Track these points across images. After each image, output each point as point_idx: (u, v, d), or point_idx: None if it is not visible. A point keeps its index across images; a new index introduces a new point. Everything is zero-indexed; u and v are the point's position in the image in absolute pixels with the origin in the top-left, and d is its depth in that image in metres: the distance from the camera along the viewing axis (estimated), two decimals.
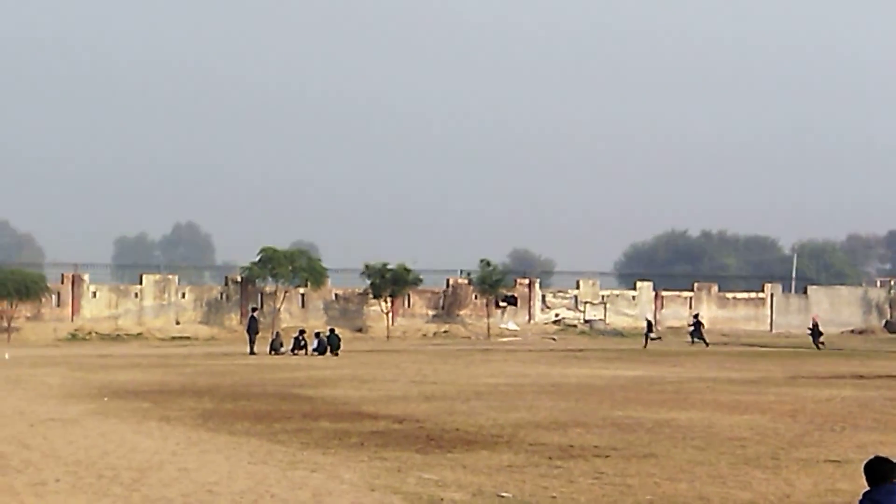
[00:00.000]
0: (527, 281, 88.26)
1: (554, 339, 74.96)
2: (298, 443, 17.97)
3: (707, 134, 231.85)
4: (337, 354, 52.52)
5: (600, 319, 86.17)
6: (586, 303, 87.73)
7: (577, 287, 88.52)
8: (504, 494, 13.00)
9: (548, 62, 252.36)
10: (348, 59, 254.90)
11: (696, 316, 72.81)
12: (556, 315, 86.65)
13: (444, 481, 13.95)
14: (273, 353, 53.85)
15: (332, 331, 57.09)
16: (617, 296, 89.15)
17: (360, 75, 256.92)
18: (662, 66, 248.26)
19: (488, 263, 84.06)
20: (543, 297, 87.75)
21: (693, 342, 66.19)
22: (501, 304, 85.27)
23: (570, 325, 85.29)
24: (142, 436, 18.91)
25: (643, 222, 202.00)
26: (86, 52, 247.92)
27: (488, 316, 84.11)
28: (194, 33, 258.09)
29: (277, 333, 58.78)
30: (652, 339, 66.85)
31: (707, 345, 65.07)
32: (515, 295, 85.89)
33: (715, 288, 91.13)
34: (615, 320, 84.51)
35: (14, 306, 70.41)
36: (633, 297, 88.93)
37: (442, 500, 12.60)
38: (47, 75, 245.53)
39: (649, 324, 70.51)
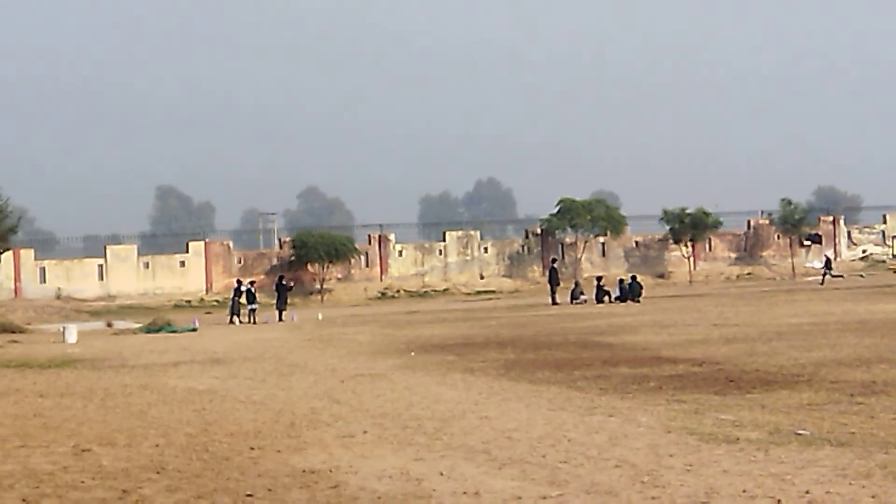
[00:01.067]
0: (831, 218, 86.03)
1: (862, 276, 72.77)
2: (597, 389, 18.20)
3: None
4: (638, 301, 52.46)
5: None
6: (894, 237, 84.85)
7: (884, 221, 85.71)
8: (801, 432, 12.89)
9: None
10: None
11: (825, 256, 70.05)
12: (864, 251, 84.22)
13: (740, 421, 13.93)
14: (574, 302, 54.20)
15: (633, 278, 56.99)
16: None
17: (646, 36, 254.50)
18: None
19: (790, 202, 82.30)
20: (849, 233, 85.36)
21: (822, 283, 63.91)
22: (805, 242, 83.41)
23: (878, 261, 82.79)
24: (446, 387, 19.49)
25: None
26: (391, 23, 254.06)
27: (792, 256, 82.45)
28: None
29: (577, 283, 59.17)
30: (833, 276, 65.17)
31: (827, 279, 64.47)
32: (820, 233, 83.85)
33: None
34: None
35: (326, 268, 73.19)
36: None
37: (738, 439, 12.58)
38: (351, 43, 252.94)
39: (828, 261, 68.29)
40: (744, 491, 9.87)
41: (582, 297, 54.98)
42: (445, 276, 78.83)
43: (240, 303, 50.74)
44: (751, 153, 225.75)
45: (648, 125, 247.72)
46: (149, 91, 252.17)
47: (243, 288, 51.75)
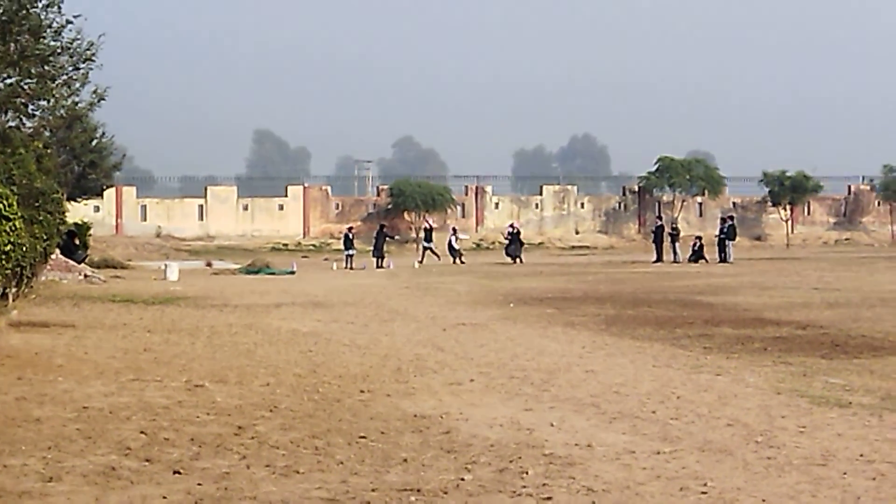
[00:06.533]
0: None
1: None
2: (701, 347, 18.11)
3: None
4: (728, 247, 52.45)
5: None
6: None
7: None
8: None
9: None
10: None
11: (670, 226, 58.73)
12: None
13: (850, 386, 13.80)
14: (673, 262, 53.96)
15: (731, 217, 56.65)
16: None
17: None
18: None
19: (892, 169, 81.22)
20: None
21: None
22: None
23: None
24: (548, 340, 19.52)
25: None
26: None
27: (892, 223, 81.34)
28: None
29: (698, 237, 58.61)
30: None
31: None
32: None
33: None
34: None
35: (422, 217, 73.44)
36: None
37: (850, 403, 12.48)
38: None
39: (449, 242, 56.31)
40: (861, 455, 9.80)
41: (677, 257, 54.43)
42: (541, 230, 78.80)
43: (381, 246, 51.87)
44: (852, 117, 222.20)
45: (745, 85, 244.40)
46: (249, 37, 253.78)
47: (426, 225, 53.07)
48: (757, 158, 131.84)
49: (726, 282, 36.66)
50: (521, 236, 56.60)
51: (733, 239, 54.36)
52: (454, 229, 57.24)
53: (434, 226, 56.11)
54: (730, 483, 8.80)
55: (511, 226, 57.82)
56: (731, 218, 57.24)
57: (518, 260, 53.82)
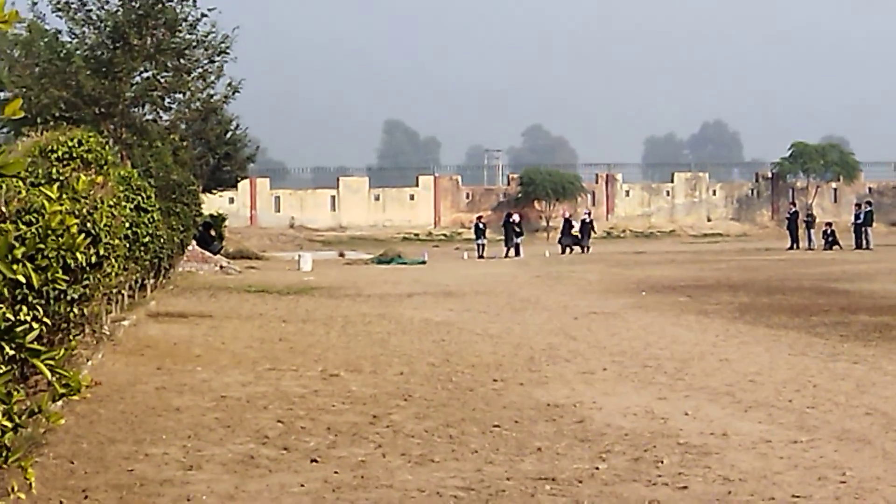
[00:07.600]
0: None
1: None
2: (837, 335, 17.85)
3: None
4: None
5: None
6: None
7: None
8: None
9: None
10: None
11: (805, 213, 58.18)
12: None
13: None
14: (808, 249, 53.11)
15: (869, 203, 55.62)
16: None
17: None
18: None
19: None
20: None
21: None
22: None
23: None
24: (681, 328, 19.38)
25: None
26: None
27: None
28: None
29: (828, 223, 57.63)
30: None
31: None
32: None
33: None
34: None
35: (552, 206, 73.27)
36: None
37: None
38: None
39: (568, 223, 54.98)
40: None
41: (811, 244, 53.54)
42: (672, 217, 78.11)
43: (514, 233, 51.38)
44: None
45: (879, 68, 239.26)
46: (378, 29, 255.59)
47: (514, 219, 52.23)
48: (893, 143, 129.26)
49: (862, 269, 36.03)
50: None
51: (871, 225, 53.34)
52: (569, 216, 56.03)
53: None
54: (869, 472, 8.68)
55: (588, 213, 57.43)
56: (869, 203, 56.23)
57: (586, 249, 53.36)
